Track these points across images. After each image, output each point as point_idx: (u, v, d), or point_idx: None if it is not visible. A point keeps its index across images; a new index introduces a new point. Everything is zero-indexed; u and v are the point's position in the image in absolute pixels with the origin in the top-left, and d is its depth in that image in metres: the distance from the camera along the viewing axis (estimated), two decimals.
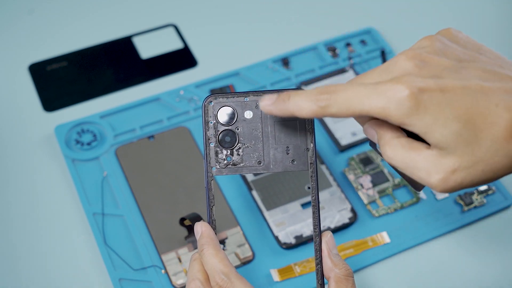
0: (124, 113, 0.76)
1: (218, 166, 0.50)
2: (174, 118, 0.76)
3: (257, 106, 0.50)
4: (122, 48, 0.84)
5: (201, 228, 0.51)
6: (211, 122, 0.50)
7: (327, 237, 0.50)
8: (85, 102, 0.79)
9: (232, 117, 0.50)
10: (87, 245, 0.67)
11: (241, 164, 0.50)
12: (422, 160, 0.42)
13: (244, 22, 0.88)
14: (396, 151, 0.43)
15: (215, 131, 0.50)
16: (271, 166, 0.50)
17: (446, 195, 0.70)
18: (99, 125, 0.75)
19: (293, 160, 0.50)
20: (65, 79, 0.81)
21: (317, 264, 0.49)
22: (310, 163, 0.50)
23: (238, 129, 0.50)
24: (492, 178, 0.42)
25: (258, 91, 0.50)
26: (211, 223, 0.51)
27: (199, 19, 0.88)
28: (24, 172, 0.72)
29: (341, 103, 0.42)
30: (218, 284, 0.48)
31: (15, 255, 0.66)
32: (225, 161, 0.50)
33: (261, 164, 0.50)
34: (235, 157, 0.50)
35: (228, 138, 0.50)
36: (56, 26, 0.87)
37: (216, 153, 0.50)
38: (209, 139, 0.50)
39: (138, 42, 0.85)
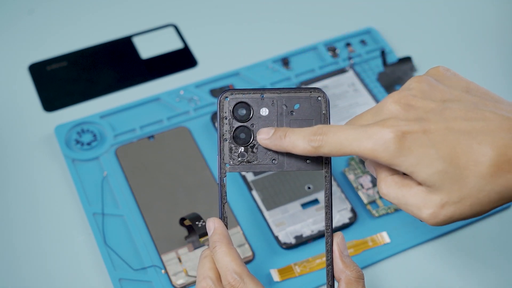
0: (124, 113, 0.76)
1: (232, 163, 0.49)
2: (174, 118, 0.76)
3: (273, 104, 0.50)
4: (122, 48, 0.84)
5: (213, 224, 0.50)
6: (226, 118, 0.49)
7: (338, 238, 0.49)
8: (85, 102, 0.79)
9: (247, 113, 0.49)
10: (87, 245, 0.67)
11: (255, 162, 0.49)
12: (412, 196, 0.45)
13: (244, 22, 0.88)
14: (389, 188, 0.46)
15: (230, 127, 0.49)
16: (285, 165, 0.49)
17: None
18: (99, 125, 0.75)
19: (307, 160, 0.49)
20: (65, 79, 0.81)
21: (328, 265, 0.49)
22: (325, 163, 0.49)
23: (253, 126, 0.49)
24: (481, 211, 0.45)
25: (275, 88, 0.50)
26: (223, 220, 0.50)
27: (199, 19, 0.88)
28: (24, 172, 0.72)
29: (333, 145, 0.45)
30: (230, 284, 0.48)
31: (15, 255, 0.66)
32: (239, 158, 0.49)
33: (276, 163, 0.49)
34: (249, 154, 0.49)
35: (243, 134, 0.49)
36: (56, 26, 0.87)
37: (230, 150, 0.49)
38: (223, 135, 0.49)
39: (138, 42, 0.85)
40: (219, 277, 0.49)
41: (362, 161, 0.72)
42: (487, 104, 0.45)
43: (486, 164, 0.43)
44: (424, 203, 0.44)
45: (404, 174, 0.46)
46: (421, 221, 0.46)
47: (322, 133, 0.46)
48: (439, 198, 0.44)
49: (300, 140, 0.47)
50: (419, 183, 0.45)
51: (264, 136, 0.49)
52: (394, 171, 0.46)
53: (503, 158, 0.43)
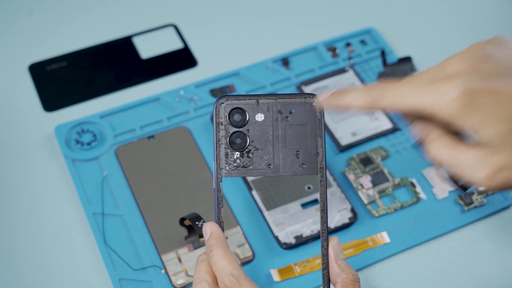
0: (124, 113, 0.76)
1: (227, 168, 0.50)
2: (174, 118, 0.76)
3: (268, 109, 0.50)
4: (122, 48, 0.84)
5: (210, 228, 0.50)
6: (222, 124, 0.50)
7: (334, 241, 0.50)
8: (85, 102, 0.79)
9: (243, 119, 0.50)
10: (87, 245, 0.67)
11: (251, 167, 0.50)
12: (469, 157, 0.44)
13: (244, 22, 0.88)
14: (442, 148, 0.45)
15: (226, 132, 0.50)
16: (281, 169, 0.50)
17: (446, 194, 0.70)
18: (99, 125, 0.75)
19: (302, 164, 0.50)
20: (65, 79, 0.81)
21: (323, 269, 0.49)
22: (320, 168, 0.50)
23: (249, 132, 0.50)
24: None
25: (270, 94, 0.50)
26: (220, 224, 0.50)
27: (199, 19, 0.88)
28: (24, 172, 0.72)
29: (393, 96, 0.45)
30: (227, 286, 0.48)
31: (15, 255, 0.66)
32: (235, 163, 0.50)
33: (271, 167, 0.50)
34: (245, 159, 0.50)
35: (238, 140, 0.50)
36: (56, 26, 0.87)
37: (226, 155, 0.50)
38: (219, 141, 0.50)
39: (138, 42, 0.85)
40: (215, 281, 0.49)
41: (362, 161, 0.72)
42: None
43: None
44: (481, 164, 0.43)
45: (458, 137, 0.45)
46: (473, 184, 0.44)
47: (383, 86, 0.45)
48: (498, 160, 0.43)
49: (360, 93, 0.46)
50: (474, 146, 0.44)
51: (324, 96, 0.48)
52: (446, 132, 0.45)
53: None
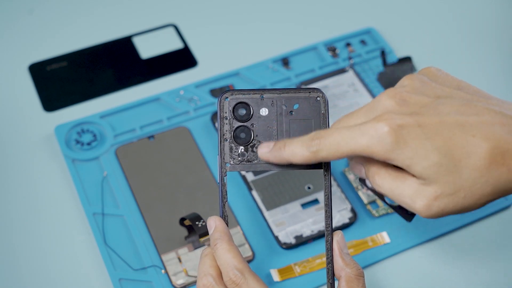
0: (124, 113, 0.77)
1: (232, 162, 0.50)
2: (174, 118, 0.76)
3: (273, 104, 0.50)
4: (122, 48, 0.85)
5: (214, 222, 0.50)
6: (227, 118, 0.50)
7: (338, 236, 0.50)
8: (85, 102, 0.79)
9: (247, 113, 0.50)
10: (87, 245, 0.67)
11: (255, 161, 0.50)
12: (407, 188, 0.45)
13: (244, 22, 0.88)
14: (384, 180, 0.46)
15: (230, 127, 0.50)
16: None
17: None
18: (99, 125, 0.75)
19: None
20: (65, 79, 0.81)
21: (328, 263, 0.49)
22: (324, 162, 0.50)
23: (253, 126, 0.50)
24: (475, 205, 0.45)
25: (275, 89, 0.50)
26: (224, 218, 0.50)
27: (199, 19, 0.88)
28: (24, 172, 0.72)
29: (330, 147, 0.46)
30: (231, 280, 0.48)
31: (15, 255, 0.66)
32: (240, 158, 0.50)
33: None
34: (249, 154, 0.50)
35: (243, 134, 0.50)
36: (56, 26, 0.87)
37: (231, 149, 0.50)
38: (223, 135, 0.50)
39: (138, 42, 0.85)
40: (220, 275, 0.49)
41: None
42: (479, 100, 0.46)
43: (480, 156, 0.43)
44: (418, 195, 0.45)
45: (397, 167, 0.46)
46: (414, 213, 0.46)
47: (319, 137, 0.46)
48: (433, 190, 0.44)
49: (299, 147, 0.47)
50: (413, 175, 0.45)
51: (265, 150, 0.49)
52: (387, 164, 0.47)
53: (496, 151, 0.43)
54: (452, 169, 0.44)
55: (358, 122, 0.47)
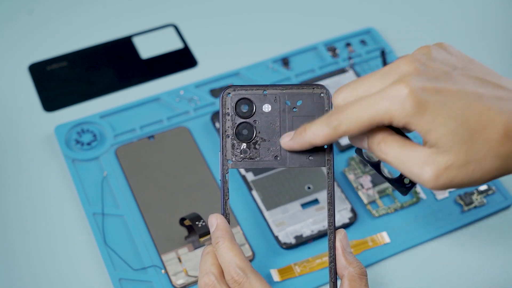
0: (124, 113, 0.76)
1: (234, 159, 0.49)
2: (174, 118, 0.76)
3: (276, 100, 0.49)
4: (122, 48, 0.85)
5: (216, 220, 0.50)
6: (229, 114, 0.49)
7: (341, 234, 0.49)
8: (85, 102, 0.79)
9: (250, 109, 0.49)
10: (87, 245, 0.67)
11: (258, 158, 0.49)
12: (416, 156, 0.44)
13: (244, 22, 0.88)
14: (390, 147, 0.45)
15: (232, 123, 0.49)
16: (288, 161, 0.49)
17: (446, 194, 0.70)
18: (99, 125, 0.75)
19: (310, 156, 0.49)
20: (65, 79, 0.81)
21: (330, 262, 0.49)
22: (327, 160, 0.49)
23: (256, 122, 0.49)
24: (481, 179, 0.44)
25: (278, 84, 0.49)
26: (226, 216, 0.50)
27: (199, 19, 0.88)
28: (24, 172, 0.72)
29: (350, 119, 0.44)
30: (233, 279, 0.48)
31: (15, 255, 0.66)
32: (242, 154, 0.49)
33: (278, 159, 0.49)
34: (252, 151, 0.49)
35: (245, 131, 0.49)
36: (56, 26, 0.87)
37: (233, 146, 0.49)
38: (225, 132, 0.49)
39: (138, 42, 0.85)
40: (221, 273, 0.49)
41: (362, 161, 0.72)
42: (493, 77, 0.46)
43: (495, 130, 0.43)
44: (427, 163, 0.43)
45: (404, 136, 0.46)
46: (419, 182, 0.45)
47: (337, 112, 0.45)
48: (444, 160, 0.43)
49: (319, 127, 0.46)
50: (425, 144, 0.44)
51: (287, 139, 0.48)
52: (393, 132, 0.46)
53: (510, 126, 0.43)
54: (467, 139, 0.43)
55: (372, 90, 0.45)
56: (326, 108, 0.49)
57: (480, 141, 0.43)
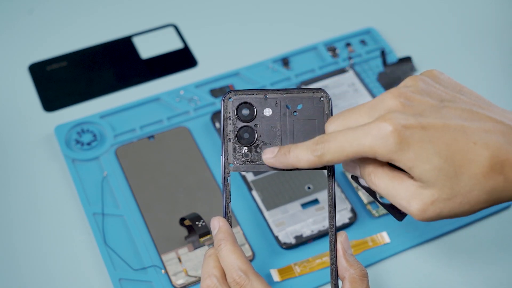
0: (124, 113, 0.76)
1: (235, 163, 0.50)
2: (174, 118, 0.76)
3: (276, 104, 0.50)
4: (122, 48, 0.85)
5: (218, 223, 0.50)
6: (230, 118, 0.50)
7: (342, 237, 0.50)
8: (85, 102, 0.79)
9: (251, 113, 0.50)
10: (87, 245, 0.67)
11: (259, 161, 0.50)
12: (403, 189, 0.45)
13: (244, 22, 0.88)
14: (380, 179, 0.46)
15: (234, 127, 0.50)
16: None
17: None
18: (99, 125, 0.75)
19: None
20: (65, 79, 0.81)
21: (332, 264, 0.49)
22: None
23: (257, 126, 0.50)
24: (469, 211, 0.45)
25: (278, 89, 0.50)
26: (227, 219, 0.50)
27: (199, 19, 0.88)
28: (24, 172, 0.72)
29: (335, 150, 0.45)
30: (235, 281, 0.48)
31: (15, 255, 0.66)
32: (243, 158, 0.50)
33: None
34: (253, 154, 0.50)
35: (246, 134, 0.50)
36: (56, 26, 0.87)
37: (234, 150, 0.50)
38: (227, 135, 0.50)
39: (138, 42, 0.85)
40: (223, 275, 0.49)
41: None
42: (481, 107, 0.46)
43: (480, 164, 0.43)
44: (414, 197, 0.44)
45: (394, 167, 0.46)
46: (408, 214, 0.46)
47: (323, 141, 0.46)
48: (430, 194, 0.44)
49: (303, 152, 0.47)
50: (410, 177, 0.45)
51: (269, 156, 0.49)
52: (383, 163, 0.46)
53: (495, 159, 0.43)
54: (452, 174, 0.44)
55: (360, 121, 0.46)
56: (326, 112, 0.50)
57: (465, 176, 0.43)
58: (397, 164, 0.44)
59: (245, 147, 0.50)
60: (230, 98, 0.49)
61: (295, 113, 0.50)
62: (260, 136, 0.50)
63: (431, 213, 0.44)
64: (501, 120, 0.45)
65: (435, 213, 0.44)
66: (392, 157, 0.44)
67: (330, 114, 0.50)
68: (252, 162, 0.50)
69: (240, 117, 0.50)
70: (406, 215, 0.49)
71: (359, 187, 0.70)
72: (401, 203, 0.45)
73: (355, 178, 0.50)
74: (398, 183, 0.45)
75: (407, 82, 0.47)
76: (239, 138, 0.50)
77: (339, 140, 0.45)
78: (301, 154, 0.47)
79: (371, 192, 0.50)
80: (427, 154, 0.43)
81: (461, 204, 0.44)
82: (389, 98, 0.45)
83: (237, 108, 0.50)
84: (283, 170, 0.49)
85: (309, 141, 0.47)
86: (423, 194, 0.44)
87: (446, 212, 0.45)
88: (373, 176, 0.46)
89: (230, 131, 0.50)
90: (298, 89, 0.50)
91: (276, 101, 0.50)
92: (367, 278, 0.49)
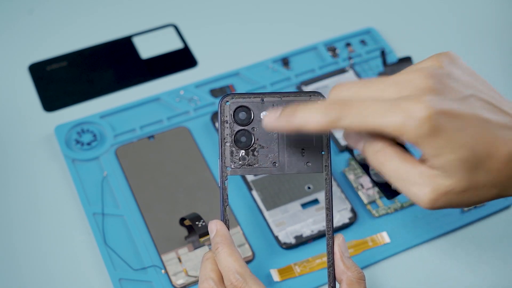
0: (124, 113, 0.77)
1: (233, 166, 0.50)
2: (174, 118, 0.76)
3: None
4: (122, 48, 0.85)
5: (215, 226, 0.50)
6: (227, 122, 0.50)
7: (339, 239, 0.50)
8: (85, 102, 0.79)
9: (248, 117, 0.50)
10: (87, 245, 0.67)
11: (256, 165, 0.50)
12: (417, 175, 0.42)
13: (244, 22, 0.88)
14: (389, 160, 0.43)
15: (231, 130, 0.50)
16: (286, 167, 0.50)
17: None
18: (99, 125, 0.75)
19: (308, 163, 0.50)
20: (65, 79, 0.81)
21: (329, 267, 0.49)
22: (325, 166, 0.50)
23: (254, 130, 0.50)
24: (475, 202, 0.44)
25: (275, 92, 0.50)
26: (225, 222, 0.51)
27: (199, 19, 0.88)
28: (24, 172, 0.72)
29: (355, 117, 0.41)
30: (233, 284, 0.48)
31: (15, 255, 0.66)
32: (240, 161, 0.50)
33: (276, 165, 0.50)
34: (250, 158, 0.50)
35: (244, 138, 0.50)
36: (56, 26, 0.87)
37: (232, 153, 0.50)
38: (224, 139, 0.50)
39: (138, 42, 0.85)
40: (221, 278, 0.49)
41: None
42: (497, 99, 0.44)
43: (499, 160, 0.42)
44: (428, 185, 0.42)
45: (405, 149, 0.44)
46: (413, 200, 0.43)
47: (341, 103, 0.42)
48: (447, 184, 0.42)
49: (314, 113, 0.42)
50: (422, 162, 0.42)
51: (272, 119, 0.45)
52: (396, 143, 0.43)
53: (511, 156, 0.42)
54: (472, 167, 0.42)
55: (384, 94, 0.42)
56: None
57: (483, 171, 0.42)
58: (421, 148, 0.41)
59: (243, 151, 0.50)
60: (227, 101, 0.50)
61: None
62: (257, 139, 0.50)
63: (441, 203, 0.42)
64: None
65: (445, 204, 0.42)
66: (419, 141, 0.41)
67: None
68: (250, 165, 0.50)
69: (237, 121, 0.50)
70: (398, 195, 0.48)
71: (359, 188, 0.70)
72: (412, 188, 0.42)
73: (350, 149, 0.49)
74: (411, 167, 0.42)
75: (432, 63, 0.44)
76: (237, 142, 0.50)
77: (363, 108, 0.41)
78: (312, 116, 0.42)
79: (364, 166, 0.49)
80: (456, 144, 0.41)
81: (471, 196, 0.43)
82: (419, 77, 0.42)
83: (234, 111, 0.50)
84: (280, 169, 0.49)
85: (320, 102, 0.43)
86: (439, 184, 0.42)
87: (455, 203, 0.43)
88: (381, 155, 0.43)
89: (227, 134, 0.50)
90: (295, 92, 0.50)
91: (273, 105, 0.50)
92: (364, 280, 0.49)
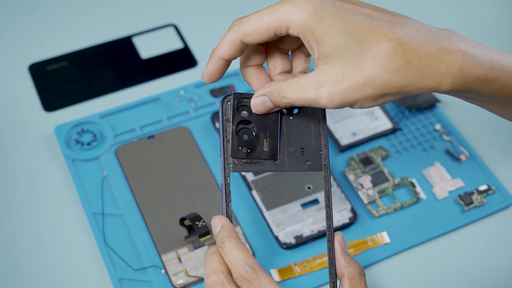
0: (124, 113, 0.76)
1: (235, 162, 0.51)
2: (174, 118, 0.76)
3: None
4: (122, 48, 0.85)
5: (220, 221, 0.50)
6: (229, 121, 0.51)
7: (339, 236, 0.50)
8: (85, 102, 0.79)
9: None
10: (87, 245, 0.67)
11: (257, 162, 0.51)
12: (309, 81, 0.47)
13: None
14: (289, 84, 0.48)
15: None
16: (286, 165, 0.51)
17: (446, 194, 0.70)
18: (99, 125, 0.75)
19: (307, 161, 0.51)
20: (65, 79, 0.81)
21: (330, 263, 0.50)
22: (324, 165, 0.51)
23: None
24: (373, 96, 0.46)
25: None
26: (228, 218, 0.51)
27: (199, 19, 0.88)
28: (24, 172, 0.72)
29: (251, 22, 0.48)
30: (242, 276, 0.47)
31: (15, 255, 0.66)
32: (242, 159, 0.51)
33: (277, 163, 0.51)
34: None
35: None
36: (56, 26, 0.87)
37: (233, 151, 0.51)
38: (226, 137, 0.50)
39: (138, 42, 0.85)
40: (229, 272, 0.48)
41: (362, 161, 0.72)
42: (385, 10, 0.49)
43: (385, 46, 0.46)
44: (319, 82, 0.46)
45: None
46: (320, 106, 0.47)
47: (239, 19, 0.49)
48: (334, 74, 0.46)
49: (222, 37, 0.51)
50: (316, 68, 0.47)
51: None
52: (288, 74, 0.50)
53: (397, 42, 0.46)
54: (356, 54, 0.45)
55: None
56: (319, 117, 0.51)
57: (368, 56, 0.45)
58: (307, 37, 0.46)
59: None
60: (229, 101, 0.51)
61: (291, 117, 0.51)
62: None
63: (338, 96, 0.46)
64: (399, 21, 0.48)
65: (342, 96, 0.46)
66: (304, 27, 0.45)
67: (324, 118, 0.51)
68: (251, 163, 0.51)
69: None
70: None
71: (359, 188, 0.70)
72: (309, 94, 0.46)
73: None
74: (304, 77, 0.47)
75: None
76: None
77: (256, 14, 0.48)
78: (221, 40, 0.52)
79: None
80: (335, 31, 0.45)
81: (364, 86, 0.46)
82: None
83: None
84: (281, 167, 0.50)
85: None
86: (327, 76, 0.46)
87: (352, 94, 0.46)
88: (285, 84, 0.48)
89: (229, 133, 0.51)
90: None
91: None
92: (365, 275, 0.49)
